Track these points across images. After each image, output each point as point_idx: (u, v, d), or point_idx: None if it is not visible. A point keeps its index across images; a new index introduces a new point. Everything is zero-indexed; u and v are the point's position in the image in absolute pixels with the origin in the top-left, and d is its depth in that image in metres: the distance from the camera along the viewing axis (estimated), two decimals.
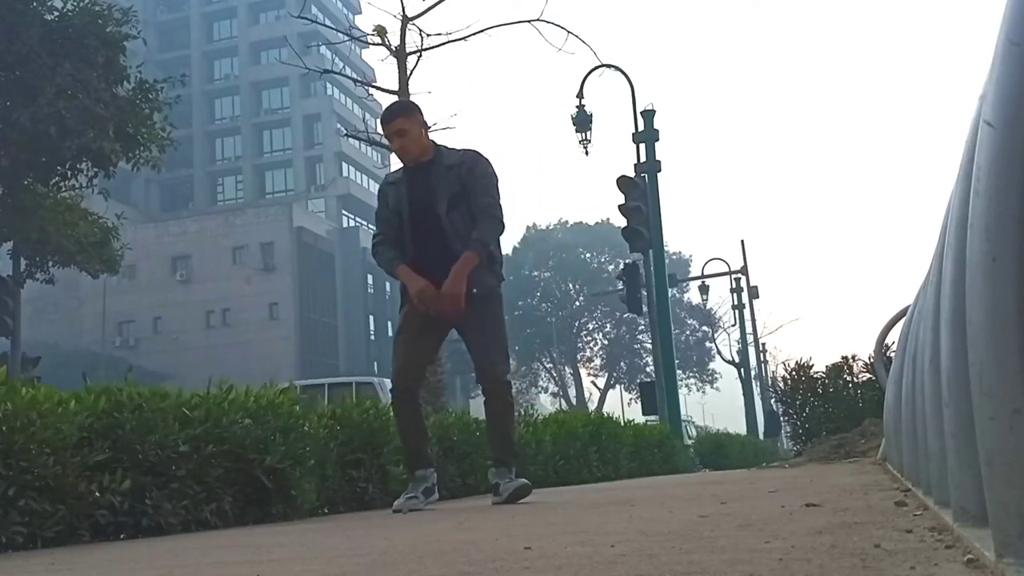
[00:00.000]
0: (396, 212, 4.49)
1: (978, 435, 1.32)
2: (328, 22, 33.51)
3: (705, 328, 53.90)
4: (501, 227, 4.48)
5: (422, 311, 4.38)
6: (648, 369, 42.61)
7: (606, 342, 57.93)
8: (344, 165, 63.29)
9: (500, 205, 4.47)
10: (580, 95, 16.81)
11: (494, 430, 4.53)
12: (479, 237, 4.34)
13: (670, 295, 18.36)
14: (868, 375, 10.12)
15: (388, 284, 57.92)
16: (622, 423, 10.85)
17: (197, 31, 65.58)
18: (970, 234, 1.33)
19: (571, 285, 57.86)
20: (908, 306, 4.37)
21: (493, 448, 4.58)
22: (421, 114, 4.58)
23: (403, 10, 10.86)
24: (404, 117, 4.50)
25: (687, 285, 47.04)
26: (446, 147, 4.59)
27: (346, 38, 13.26)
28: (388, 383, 6.29)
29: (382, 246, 4.56)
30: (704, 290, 37.97)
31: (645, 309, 17.18)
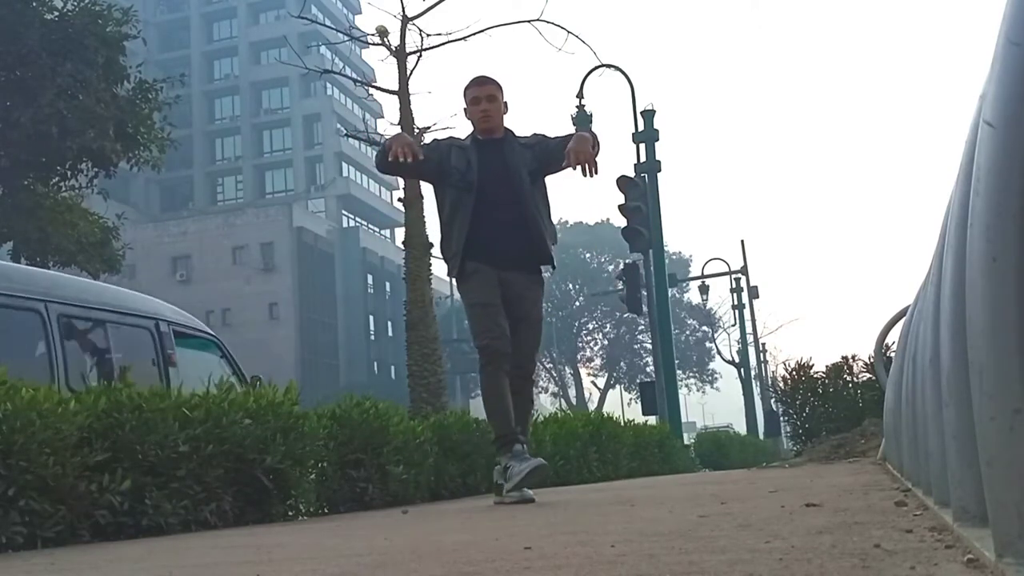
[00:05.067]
0: (456, 168, 4.45)
1: (978, 435, 1.32)
2: (328, 22, 33.53)
3: (705, 328, 53.87)
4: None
5: (492, 278, 4.40)
6: (648, 369, 42.59)
7: (606, 342, 57.91)
8: (344, 165, 63.27)
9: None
10: (580, 95, 16.81)
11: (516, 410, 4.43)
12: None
13: (670, 295, 18.36)
14: (868, 375, 10.10)
15: (388, 284, 57.94)
16: (622, 423, 10.84)
17: (197, 31, 65.55)
18: (970, 234, 1.33)
19: (571, 285, 57.81)
20: (908, 306, 4.37)
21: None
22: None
23: (403, 10, 10.86)
24: (497, 86, 4.58)
25: (687, 285, 46.99)
26: (515, 133, 4.66)
27: (346, 38, 13.29)
28: None
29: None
30: (704, 290, 37.95)
31: (645, 309, 17.19)
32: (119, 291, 6.63)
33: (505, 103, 4.60)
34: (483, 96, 4.51)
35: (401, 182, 13.57)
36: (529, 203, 4.44)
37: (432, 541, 2.65)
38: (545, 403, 53.30)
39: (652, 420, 15.18)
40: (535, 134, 4.64)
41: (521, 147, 4.53)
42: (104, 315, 5.78)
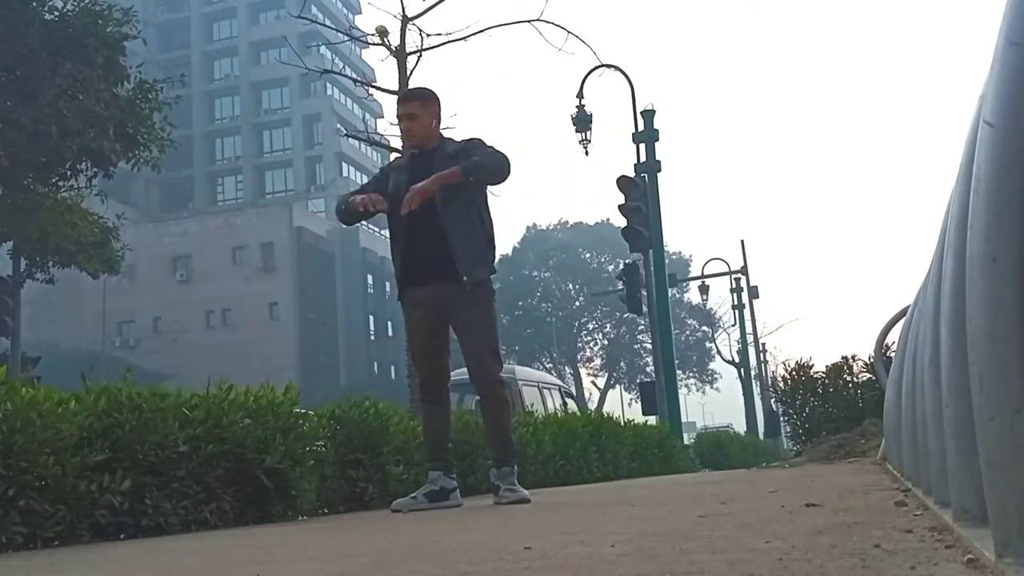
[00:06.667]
0: (389, 195, 4.53)
1: (978, 435, 1.32)
2: (328, 22, 33.52)
3: (705, 328, 53.85)
4: (504, 162, 4.43)
5: (421, 312, 4.45)
6: (648, 369, 42.58)
7: (606, 342, 57.91)
8: (344, 165, 63.27)
9: (504, 155, 4.47)
10: (580, 95, 16.80)
11: (491, 429, 4.57)
12: (476, 161, 4.38)
13: (670, 295, 18.36)
14: (868, 375, 10.10)
15: (388, 284, 57.93)
16: (622, 423, 10.84)
17: (197, 31, 65.57)
18: (970, 234, 1.33)
19: (571, 285, 57.82)
20: (908, 306, 4.37)
21: (492, 448, 4.60)
22: (438, 106, 4.61)
23: (403, 10, 10.83)
24: (420, 103, 4.56)
25: (687, 285, 46.97)
26: (452, 139, 4.62)
27: (346, 38, 13.24)
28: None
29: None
30: (704, 290, 37.89)
31: (645, 309, 17.18)
32: (547, 376, 15.66)
33: (438, 114, 4.58)
34: (404, 115, 4.53)
35: None
36: (442, 215, 4.34)
37: (432, 541, 2.65)
38: None
39: (652, 420, 15.17)
40: (469, 139, 4.58)
41: (445, 157, 4.46)
42: (552, 386, 13.97)
